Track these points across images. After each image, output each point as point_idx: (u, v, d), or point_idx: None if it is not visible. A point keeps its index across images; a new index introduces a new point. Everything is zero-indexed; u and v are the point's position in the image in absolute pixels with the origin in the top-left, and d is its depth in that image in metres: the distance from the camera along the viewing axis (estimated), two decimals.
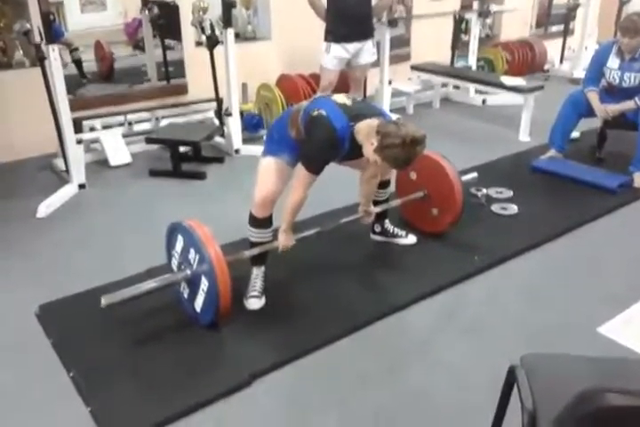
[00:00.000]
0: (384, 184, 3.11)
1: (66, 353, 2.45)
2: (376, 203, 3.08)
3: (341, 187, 3.22)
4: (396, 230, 3.28)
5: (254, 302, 2.73)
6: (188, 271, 2.50)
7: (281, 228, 2.69)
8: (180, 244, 2.55)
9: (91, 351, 2.47)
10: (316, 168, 2.53)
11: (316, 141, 2.48)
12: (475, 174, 3.55)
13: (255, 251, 2.73)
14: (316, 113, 2.48)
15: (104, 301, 2.35)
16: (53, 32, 3.80)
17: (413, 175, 3.28)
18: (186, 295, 2.62)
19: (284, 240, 2.69)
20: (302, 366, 2.41)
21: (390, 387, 2.31)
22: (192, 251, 2.45)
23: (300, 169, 2.55)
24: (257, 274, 2.81)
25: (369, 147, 2.39)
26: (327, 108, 2.49)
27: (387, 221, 3.27)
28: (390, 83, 5.64)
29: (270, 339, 2.55)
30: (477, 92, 6.29)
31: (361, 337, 2.59)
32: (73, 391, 2.26)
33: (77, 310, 2.72)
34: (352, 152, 2.55)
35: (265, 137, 2.81)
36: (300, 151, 2.60)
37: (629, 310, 2.76)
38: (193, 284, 2.52)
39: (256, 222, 2.73)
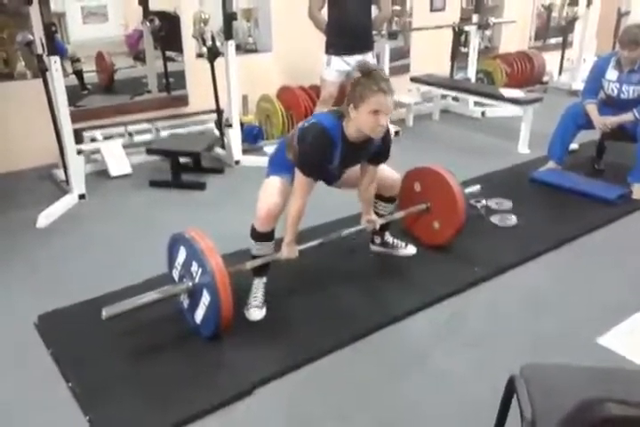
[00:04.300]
0: (390, 199, 3.12)
1: (65, 363, 2.45)
2: (379, 216, 3.08)
3: (342, 197, 3.22)
4: (396, 242, 3.28)
5: (255, 313, 2.73)
6: (190, 283, 2.49)
7: (285, 240, 2.69)
8: (182, 255, 2.55)
9: (90, 361, 2.46)
10: (311, 170, 2.56)
11: (309, 142, 2.52)
12: (478, 187, 3.55)
13: (257, 262, 2.72)
14: (306, 124, 2.58)
15: (105, 313, 2.34)
16: (56, 49, 3.82)
17: (418, 187, 3.28)
18: (186, 305, 2.62)
19: (288, 252, 2.70)
20: (303, 375, 2.41)
21: (390, 397, 2.31)
22: (194, 264, 2.45)
23: (298, 175, 2.57)
24: (258, 284, 2.81)
25: (353, 113, 2.44)
26: (317, 116, 2.62)
27: (387, 233, 3.27)
28: None
29: (271, 349, 2.55)
30: (477, 104, 6.32)
31: (361, 347, 2.59)
32: (72, 401, 2.26)
33: (77, 321, 2.71)
34: (347, 156, 2.59)
35: (268, 164, 2.83)
36: (294, 156, 2.63)
37: (629, 321, 2.76)
38: (194, 296, 2.51)
39: (258, 236, 2.72)
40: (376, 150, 2.70)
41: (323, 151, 2.53)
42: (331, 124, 2.52)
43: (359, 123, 2.46)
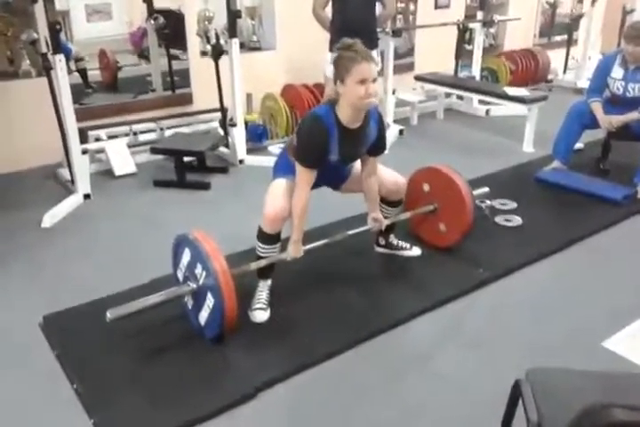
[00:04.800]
0: (395, 203, 3.11)
1: (69, 365, 2.45)
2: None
3: (347, 197, 3.22)
4: (401, 243, 3.27)
5: (259, 315, 2.72)
6: (194, 285, 2.49)
7: (292, 238, 2.69)
8: (186, 257, 2.54)
9: (94, 363, 2.46)
10: (308, 160, 2.57)
11: (304, 131, 2.57)
12: (486, 189, 3.52)
13: (262, 262, 2.71)
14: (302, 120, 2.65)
15: (109, 315, 2.34)
16: (61, 48, 3.82)
17: (426, 187, 3.26)
18: (190, 306, 2.62)
19: (294, 251, 2.69)
20: (306, 378, 2.41)
21: (394, 400, 2.31)
22: (199, 266, 2.44)
23: (297, 168, 2.58)
24: (263, 287, 2.81)
25: (341, 88, 2.47)
26: (311, 110, 2.68)
27: (392, 235, 3.26)
28: (394, 93, 5.65)
29: (274, 351, 2.54)
30: (481, 102, 6.31)
31: (364, 350, 2.59)
32: (76, 403, 2.26)
33: (82, 321, 2.72)
34: (345, 144, 2.59)
35: (272, 170, 2.85)
36: (293, 151, 2.64)
37: (635, 324, 2.75)
38: (198, 297, 2.51)
39: (265, 238, 2.71)
40: (373, 139, 2.70)
41: (318, 138, 2.53)
42: (322, 111, 2.55)
43: (349, 97, 2.46)
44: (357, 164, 2.85)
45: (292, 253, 2.70)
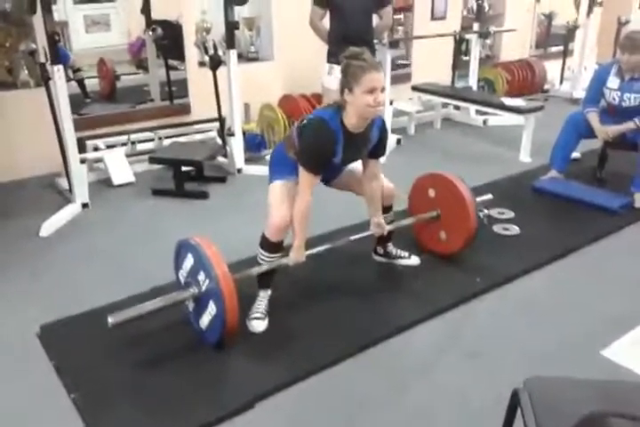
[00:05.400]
0: (386, 209, 3.09)
1: (67, 374, 2.44)
2: None
3: (347, 205, 3.23)
4: (399, 252, 3.27)
5: (257, 324, 2.71)
6: (196, 291, 2.48)
7: (294, 243, 2.67)
8: (189, 262, 2.53)
9: (92, 373, 2.45)
10: (313, 166, 2.56)
11: (311, 136, 2.54)
12: (490, 196, 3.51)
13: (264, 268, 2.70)
14: (305, 121, 2.61)
15: (111, 320, 2.33)
16: (59, 57, 3.83)
17: (432, 192, 3.26)
18: (191, 309, 2.61)
19: (296, 256, 2.68)
20: (305, 387, 2.41)
21: (393, 409, 2.30)
22: (202, 273, 2.43)
23: (301, 172, 2.57)
24: (263, 297, 2.80)
25: (350, 97, 2.46)
26: (314, 112, 2.66)
27: (390, 244, 3.26)
28: (391, 103, 5.67)
29: (273, 361, 2.54)
30: (478, 112, 6.33)
31: (364, 359, 2.58)
32: (74, 413, 2.25)
33: (79, 331, 2.71)
34: (349, 148, 2.58)
35: (268, 167, 2.83)
36: (297, 154, 2.63)
37: (633, 333, 2.75)
38: (199, 303, 2.51)
39: (269, 246, 2.70)
40: (375, 141, 2.70)
41: (325, 143, 2.53)
42: (329, 116, 2.53)
43: (358, 106, 2.45)
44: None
45: (293, 258, 2.69)
